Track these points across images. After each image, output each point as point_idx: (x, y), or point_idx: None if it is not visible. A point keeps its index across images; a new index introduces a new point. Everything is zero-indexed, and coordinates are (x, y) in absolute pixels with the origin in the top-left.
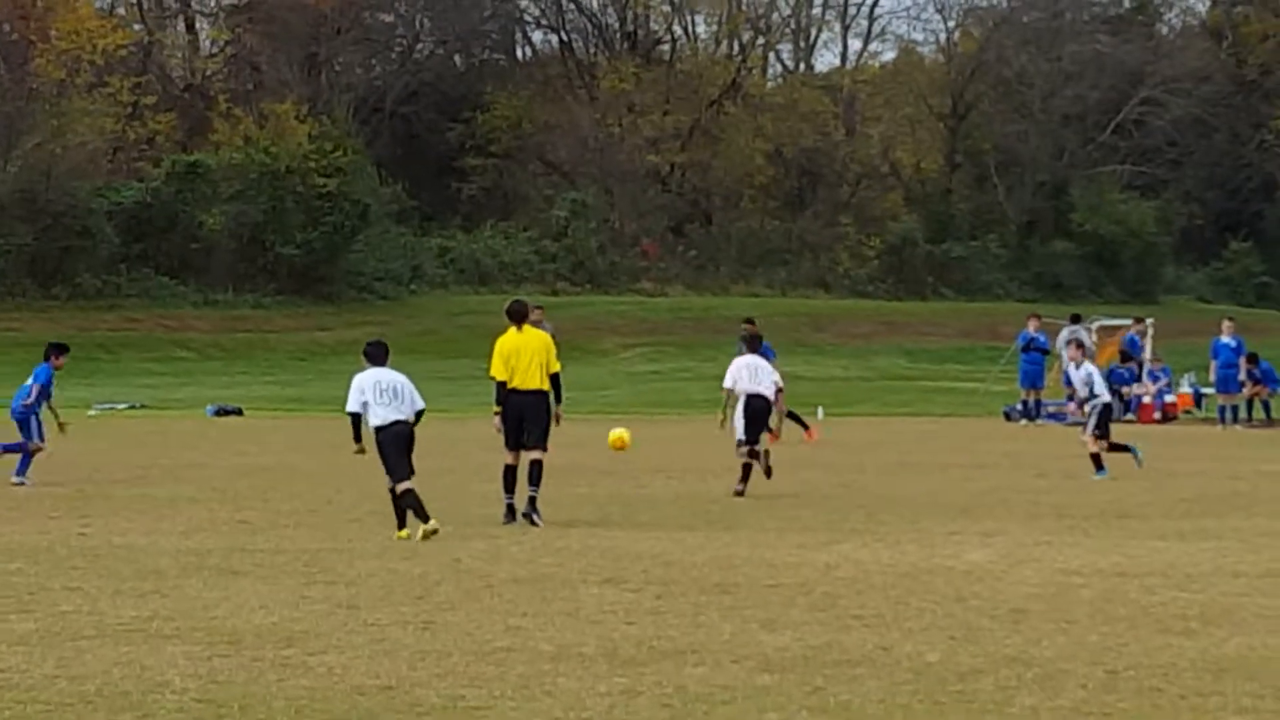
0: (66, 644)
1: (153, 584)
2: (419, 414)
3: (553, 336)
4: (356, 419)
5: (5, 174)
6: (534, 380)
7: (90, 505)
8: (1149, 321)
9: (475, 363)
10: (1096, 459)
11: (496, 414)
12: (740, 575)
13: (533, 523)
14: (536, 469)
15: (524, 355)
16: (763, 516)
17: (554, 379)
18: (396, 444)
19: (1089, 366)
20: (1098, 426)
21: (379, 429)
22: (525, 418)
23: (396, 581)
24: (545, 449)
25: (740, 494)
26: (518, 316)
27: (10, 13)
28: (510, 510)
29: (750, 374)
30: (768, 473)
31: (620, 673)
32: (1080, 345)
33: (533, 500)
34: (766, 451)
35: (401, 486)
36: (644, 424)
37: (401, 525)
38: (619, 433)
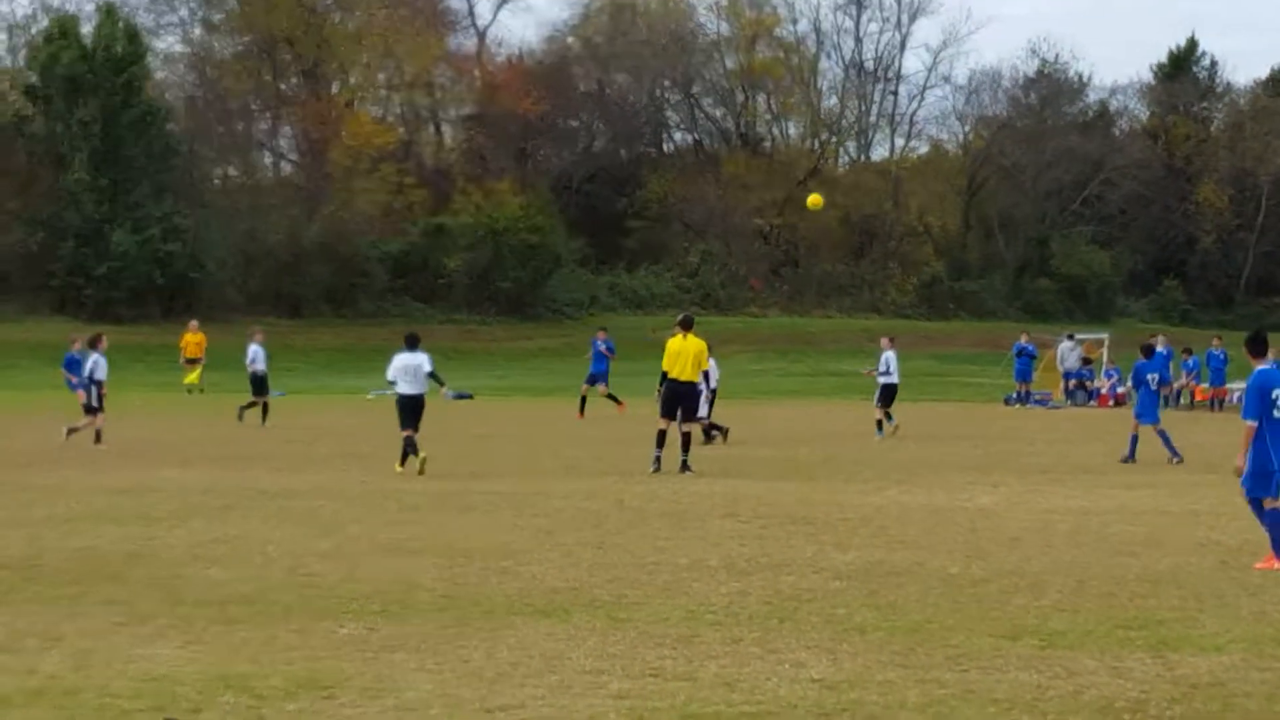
0: (353, 557)
1: (411, 516)
2: (431, 375)
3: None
4: (393, 384)
5: (311, 231)
6: (688, 374)
7: (445, 460)
8: (1105, 336)
9: (634, 364)
10: (879, 424)
11: (659, 390)
12: (819, 511)
13: (688, 469)
14: (687, 439)
15: (684, 356)
16: (833, 470)
17: (705, 374)
18: (408, 408)
19: (888, 353)
20: (882, 399)
21: (400, 396)
22: (680, 400)
23: (579, 515)
24: (693, 423)
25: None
26: (686, 325)
27: (315, 121)
28: (658, 461)
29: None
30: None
31: (735, 580)
32: (893, 339)
33: (685, 462)
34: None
35: (406, 434)
36: (750, 406)
37: (403, 462)
38: (815, 197)
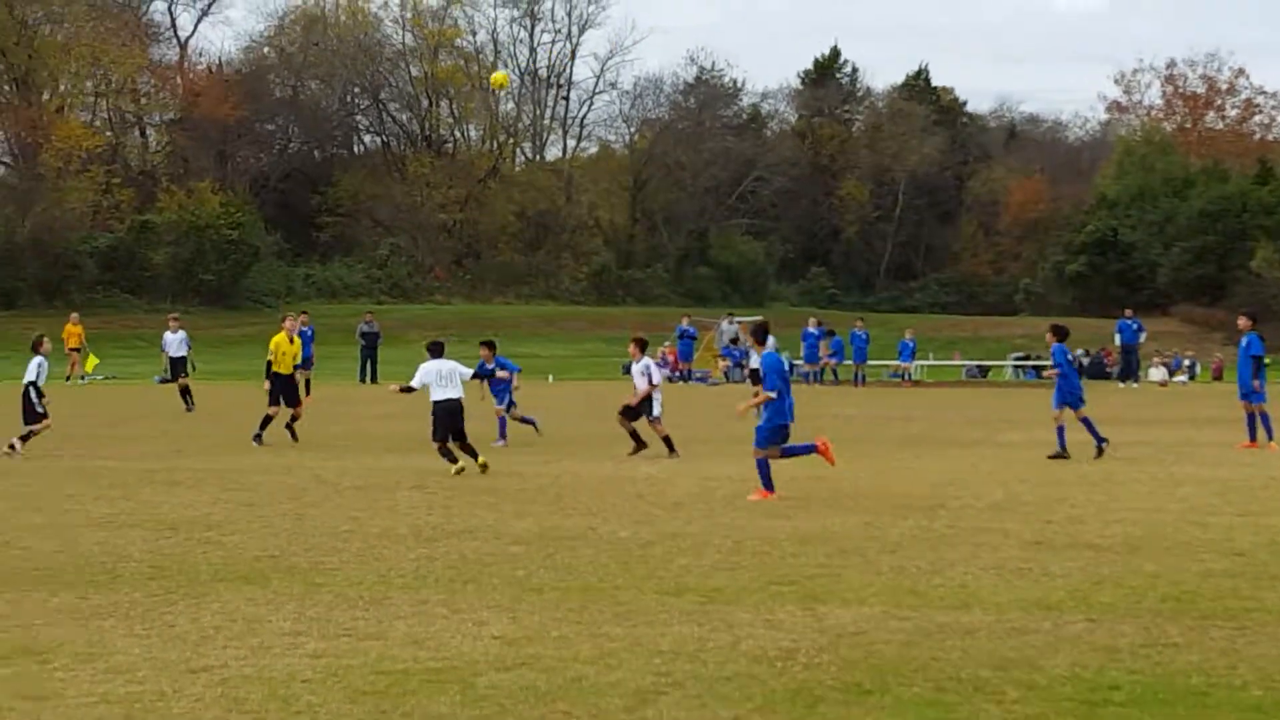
0: (65, 530)
1: (120, 492)
2: (466, 379)
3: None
4: (410, 390)
5: (24, 228)
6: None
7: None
8: (761, 318)
9: (326, 349)
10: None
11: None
12: (500, 483)
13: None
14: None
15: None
16: (514, 446)
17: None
18: (446, 415)
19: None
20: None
21: (436, 403)
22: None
23: (280, 489)
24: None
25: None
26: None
27: (26, 125)
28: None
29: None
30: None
31: (423, 546)
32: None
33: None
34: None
35: (438, 445)
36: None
37: (454, 461)
38: (500, 75)
